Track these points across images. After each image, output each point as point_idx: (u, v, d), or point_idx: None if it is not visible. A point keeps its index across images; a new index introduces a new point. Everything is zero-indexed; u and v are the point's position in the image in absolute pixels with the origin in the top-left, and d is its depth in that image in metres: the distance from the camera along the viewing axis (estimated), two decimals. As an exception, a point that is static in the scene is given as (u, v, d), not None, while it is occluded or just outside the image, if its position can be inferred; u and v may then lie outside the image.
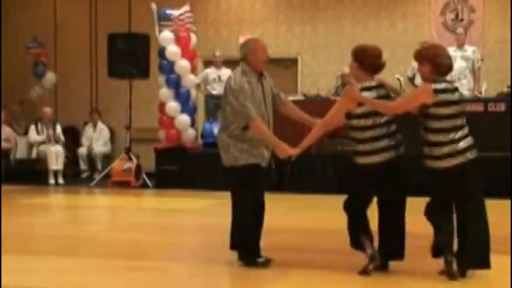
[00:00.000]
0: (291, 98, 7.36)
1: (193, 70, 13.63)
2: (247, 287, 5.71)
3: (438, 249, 5.55)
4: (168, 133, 13.40)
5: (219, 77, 13.75)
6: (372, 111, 5.62)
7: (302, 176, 11.96)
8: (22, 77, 16.03)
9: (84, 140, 15.47)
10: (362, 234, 5.73)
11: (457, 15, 14.84)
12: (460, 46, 12.57)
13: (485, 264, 5.50)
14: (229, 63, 14.16)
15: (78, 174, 15.21)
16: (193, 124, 13.61)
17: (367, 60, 5.78)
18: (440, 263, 5.55)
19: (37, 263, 6.39)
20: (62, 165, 14.23)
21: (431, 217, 5.57)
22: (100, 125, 15.55)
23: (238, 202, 6.05)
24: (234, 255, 6.12)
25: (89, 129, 15.56)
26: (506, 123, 11.10)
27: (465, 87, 12.06)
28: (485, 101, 11.56)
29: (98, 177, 14.28)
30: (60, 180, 14.10)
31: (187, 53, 13.44)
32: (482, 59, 13.15)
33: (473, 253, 5.49)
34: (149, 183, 13.30)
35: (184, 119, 13.32)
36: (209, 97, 13.97)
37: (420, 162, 5.63)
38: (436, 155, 5.46)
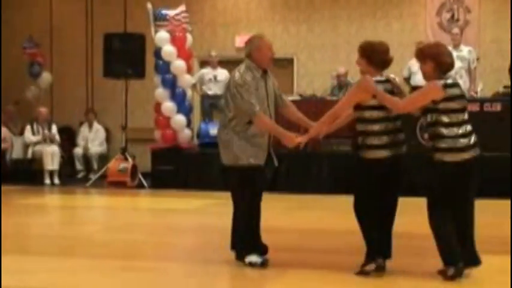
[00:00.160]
0: (286, 98, 7.34)
1: (189, 70, 13.61)
2: (244, 287, 5.71)
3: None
4: (163, 133, 13.39)
5: (215, 77, 13.77)
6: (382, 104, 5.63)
7: (297, 176, 11.96)
8: (18, 77, 15.99)
9: (80, 140, 15.45)
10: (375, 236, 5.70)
11: (452, 16, 14.86)
12: (456, 46, 12.58)
13: (478, 261, 5.52)
14: (225, 63, 14.19)
15: (74, 174, 15.19)
16: (189, 124, 13.60)
17: (375, 55, 5.76)
18: (437, 262, 5.55)
19: (32, 263, 6.37)
20: (58, 165, 14.20)
21: (432, 222, 5.50)
22: (96, 125, 15.53)
23: (238, 202, 6.04)
24: (230, 255, 6.12)
25: (84, 129, 15.54)
26: (502, 123, 11.12)
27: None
28: (481, 101, 11.58)
29: (93, 177, 14.26)
30: (56, 181, 14.07)
31: (183, 53, 13.43)
32: (478, 59, 13.17)
33: (468, 252, 5.48)
34: (145, 183, 13.29)
35: (180, 119, 13.31)
36: (205, 97, 13.98)
37: (418, 160, 5.62)
38: (447, 147, 5.43)
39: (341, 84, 13.33)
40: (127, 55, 13.47)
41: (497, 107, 11.55)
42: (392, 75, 5.98)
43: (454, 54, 12.62)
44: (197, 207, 10.61)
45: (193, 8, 15.10)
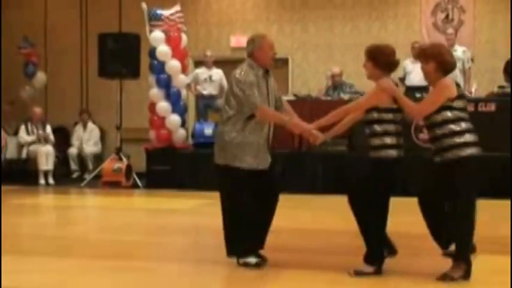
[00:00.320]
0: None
1: (184, 70, 13.61)
2: (238, 287, 5.70)
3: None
4: (158, 133, 13.38)
5: (210, 77, 13.76)
6: (398, 107, 5.63)
7: (291, 175, 11.95)
8: (12, 77, 15.97)
9: (75, 140, 15.43)
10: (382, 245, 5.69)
11: (447, 16, 14.88)
12: (450, 46, 12.57)
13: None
14: (220, 63, 14.19)
15: (69, 174, 15.17)
16: (183, 124, 13.60)
17: (382, 58, 5.71)
18: (434, 263, 5.54)
19: (26, 263, 6.36)
20: (52, 166, 14.19)
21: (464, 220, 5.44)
22: (90, 125, 15.51)
23: (232, 204, 6.01)
24: (224, 255, 6.10)
25: (79, 129, 15.52)
26: (496, 123, 11.15)
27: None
28: (476, 101, 11.59)
29: (88, 177, 14.25)
30: (51, 181, 14.06)
31: (178, 53, 13.42)
32: (472, 59, 13.19)
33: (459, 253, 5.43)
34: (139, 183, 13.28)
35: (174, 119, 13.30)
36: (200, 97, 13.97)
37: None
38: (465, 141, 5.44)
39: (336, 85, 13.33)
40: (122, 55, 13.45)
41: (492, 107, 11.59)
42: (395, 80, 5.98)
43: (449, 54, 12.73)
44: (192, 207, 10.61)
45: (188, 7, 15.10)
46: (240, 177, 5.94)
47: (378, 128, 5.64)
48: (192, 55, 14.92)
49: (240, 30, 15.67)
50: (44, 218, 10.28)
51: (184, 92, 13.71)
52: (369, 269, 5.61)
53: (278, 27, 15.62)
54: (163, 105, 13.28)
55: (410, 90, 11.39)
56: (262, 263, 6.00)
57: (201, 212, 10.08)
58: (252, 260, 5.97)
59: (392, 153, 5.60)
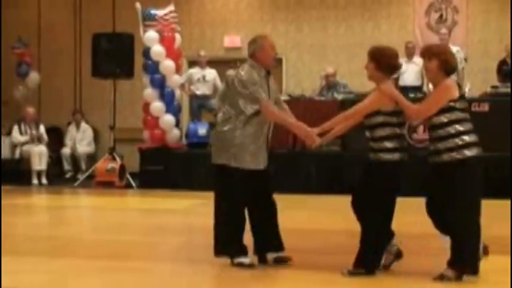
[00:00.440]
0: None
1: (178, 70, 13.61)
2: (232, 287, 5.69)
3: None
4: (152, 133, 13.37)
5: (204, 77, 13.75)
6: (401, 109, 5.63)
7: (285, 175, 11.94)
8: (6, 76, 15.94)
9: (68, 140, 15.40)
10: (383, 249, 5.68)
11: (441, 16, 14.91)
12: (444, 46, 12.60)
13: (474, 270, 5.43)
14: (214, 63, 14.19)
15: (62, 174, 15.15)
16: (177, 124, 13.60)
17: (384, 60, 5.69)
18: (436, 262, 5.54)
19: (20, 263, 6.33)
20: (46, 166, 14.17)
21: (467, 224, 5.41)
22: (84, 125, 15.49)
23: (229, 204, 5.99)
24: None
25: (72, 129, 15.49)
26: (490, 123, 11.16)
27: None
28: (469, 101, 11.59)
29: (81, 177, 14.23)
30: (44, 181, 14.04)
31: (172, 53, 13.41)
32: (466, 60, 13.21)
33: (460, 256, 5.38)
34: (133, 184, 13.27)
35: (168, 119, 13.29)
36: (193, 97, 13.96)
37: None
38: (470, 141, 5.45)
39: (330, 85, 13.33)
40: (115, 55, 13.44)
41: (485, 107, 11.63)
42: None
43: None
44: (185, 207, 10.60)
45: (182, 8, 15.09)
46: (239, 177, 5.92)
47: (381, 131, 5.63)
48: (186, 55, 14.91)
49: (234, 30, 15.68)
50: (37, 218, 10.25)
51: (178, 92, 13.71)
52: (360, 270, 5.59)
53: (272, 27, 15.62)
54: (157, 105, 13.27)
55: (404, 90, 11.40)
56: (254, 263, 5.98)
57: (195, 212, 10.07)
58: (246, 260, 5.96)
59: (396, 156, 5.59)
